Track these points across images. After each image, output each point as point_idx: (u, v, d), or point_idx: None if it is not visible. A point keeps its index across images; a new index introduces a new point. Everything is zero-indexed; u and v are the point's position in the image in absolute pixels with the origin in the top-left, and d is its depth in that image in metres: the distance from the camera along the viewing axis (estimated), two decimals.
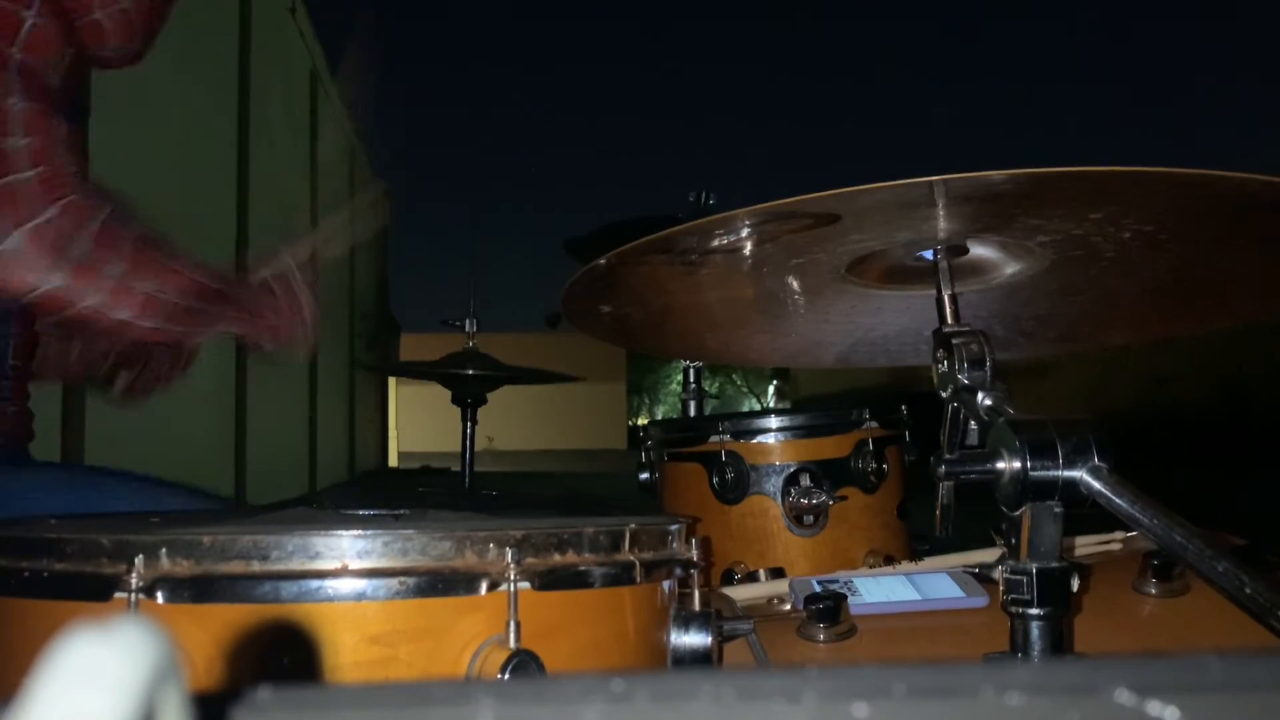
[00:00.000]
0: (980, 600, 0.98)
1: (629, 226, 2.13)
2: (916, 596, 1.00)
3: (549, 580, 0.62)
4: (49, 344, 1.44)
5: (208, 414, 6.43)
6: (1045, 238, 0.84)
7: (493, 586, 0.60)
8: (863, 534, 1.34)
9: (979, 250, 0.90)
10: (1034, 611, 0.71)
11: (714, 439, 1.36)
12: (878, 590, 1.01)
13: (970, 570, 1.05)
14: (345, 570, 0.58)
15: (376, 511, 0.79)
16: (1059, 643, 0.72)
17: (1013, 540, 0.73)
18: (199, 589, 0.57)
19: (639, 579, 0.67)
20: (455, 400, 1.93)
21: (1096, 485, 0.68)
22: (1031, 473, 0.69)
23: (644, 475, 1.46)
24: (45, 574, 0.59)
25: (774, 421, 1.37)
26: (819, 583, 1.03)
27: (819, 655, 0.93)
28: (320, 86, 11.31)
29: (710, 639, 0.71)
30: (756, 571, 1.30)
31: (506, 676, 0.57)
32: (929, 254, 0.89)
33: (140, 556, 0.57)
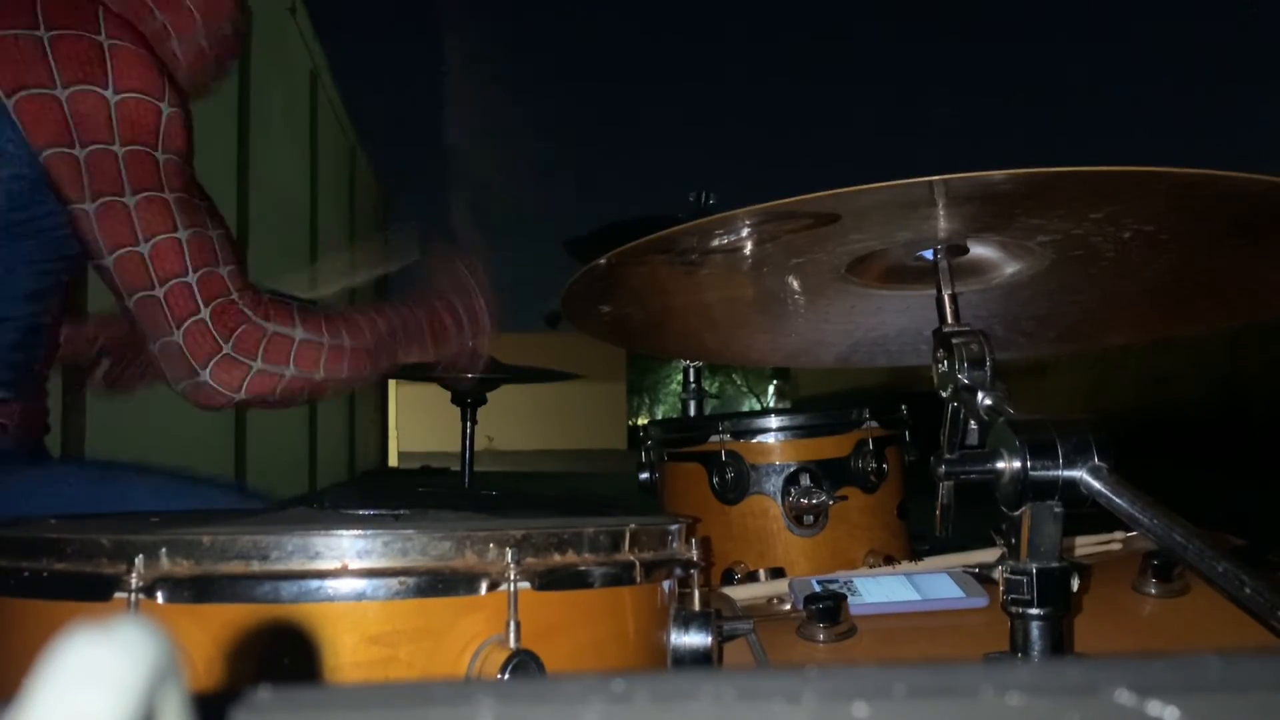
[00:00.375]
0: (981, 601, 0.98)
1: (629, 226, 2.13)
2: (917, 597, 1.00)
3: (549, 580, 0.62)
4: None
5: (208, 414, 6.42)
6: (1045, 238, 0.84)
7: (493, 586, 0.60)
8: (863, 534, 1.34)
9: (979, 250, 0.90)
10: (1034, 611, 0.71)
11: (714, 439, 1.36)
12: (878, 590, 1.01)
13: (970, 570, 1.05)
14: (345, 570, 0.58)
15: (376, 511, 0.79)
16: (1059, 643, 0.72)
17: (1013, 540, 0.73)
18: (199, 589, 0.57)
19: (639, 579, 0.67)
20: (455, 400, 1.93)
21: (1096, 485, 0.68)
22: (1031, 473, 0.69)
23: (644, 475, 1.46)
24: (45, 574, 0.59)
25: (774, 421, 1.37)
26: (819, 583, 1.03)
27: (819, 655, 0.93)
28: (320, 86, 11.31)
29: (710, 639, 0.71)
30: (756, 571, 1.30)
31: (506, 676, 0.57)
32: (929, 254, 0.89)
33: (140, 556, 0.57)
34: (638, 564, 0.67)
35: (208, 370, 1.08)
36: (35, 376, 1.30)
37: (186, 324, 1.07)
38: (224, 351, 1.08)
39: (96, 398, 1.61)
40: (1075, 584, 0.72)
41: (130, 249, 1.07)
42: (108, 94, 1.06)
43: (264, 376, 1.11)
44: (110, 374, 1.55)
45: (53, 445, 1.42)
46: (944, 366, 0.83)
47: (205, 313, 1.08)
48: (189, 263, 1.08)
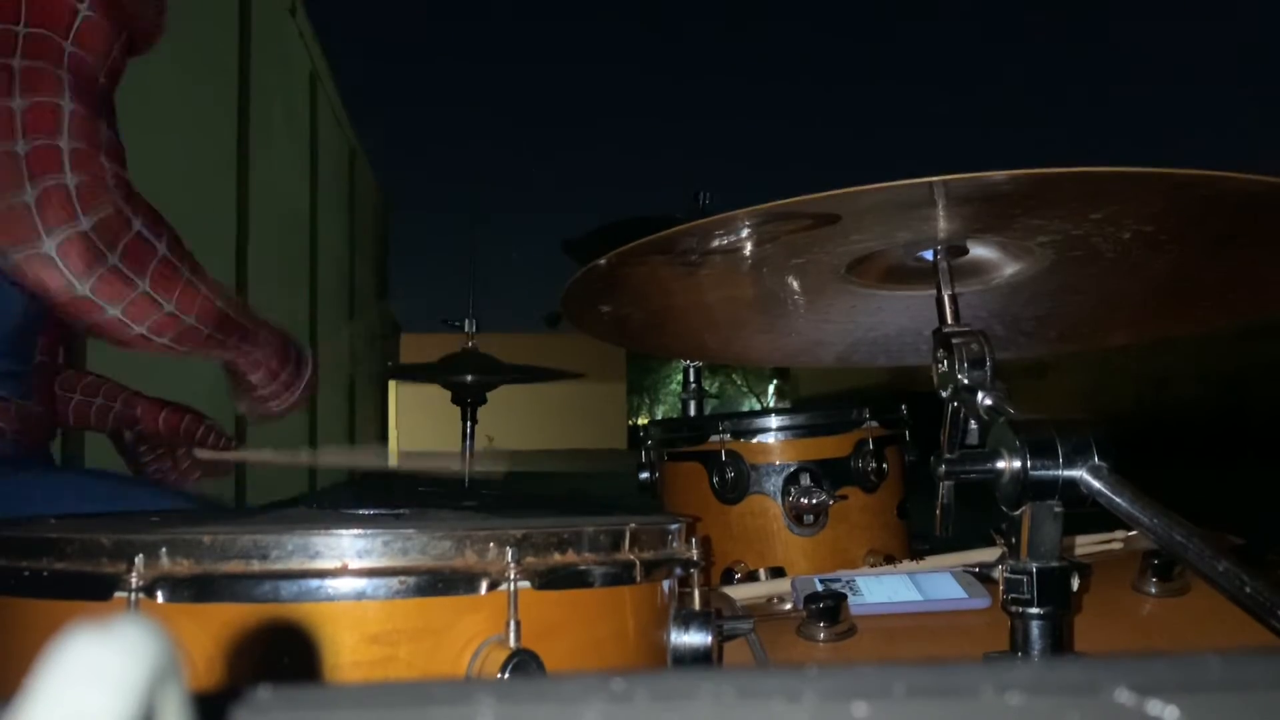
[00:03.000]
0: (983, 601, 0.98)
1: (627, 226, 2.13)
2: (919, 597, 1.00)
3: (549, 580, 0.62)
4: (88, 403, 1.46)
5: (207, 414, 6.42)
6: (1045, 238, 0.84)
7: (493, 586, 0.60)
8: (863, 534, 1.34)
9: (979, 250, 0.90)
10: (1034, 611, 0.71)
11: (714, 439, 1.36)
12: (880, 590, 1.01)
13: (970, 570, 1.05)
14: (345, 570, 0.58)
15: (377, 511, 0.79)
16: (1059, 642, 0.72)
17: (1013, 540, 0.73)
18: (199, 588, 0.57)
19: (639, 578, 0.67)
20: (455, 400, 1.93)
21: (1096, 485, 0.68)
22: (1031, 472, 0.69)
23: (644, 475, 1.46)
24: (45, 574, 0.59)
25: (774, 421, 1.37)
26: (822, 582, 1.03)
27: (819, 655, 0.93)
28: (320, 86, 11.31)
29: (710, 638, 0.71)
30: (756, 571, 1.30)
31: (506, 676, 0.57)
32: (929, 254, 0.89)
33: (140, 556, 0.57)
34: (638, 563, 0.67)
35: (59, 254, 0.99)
36: (34, 377, 1.29)
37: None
38: (83, 228, 1.00)
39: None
40: (1075, 583, 0.72)
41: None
42: None
43: (116, 278, 1.02)
44: (168, 470, 1.53)
45: (52, 452, 1.42)
46: (944, 366, 0.83)
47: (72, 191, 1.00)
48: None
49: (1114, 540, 1.20)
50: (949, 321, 0.87)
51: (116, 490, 1.31)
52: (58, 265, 1.00)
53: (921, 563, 1.14)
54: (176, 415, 1.51)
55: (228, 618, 0.57)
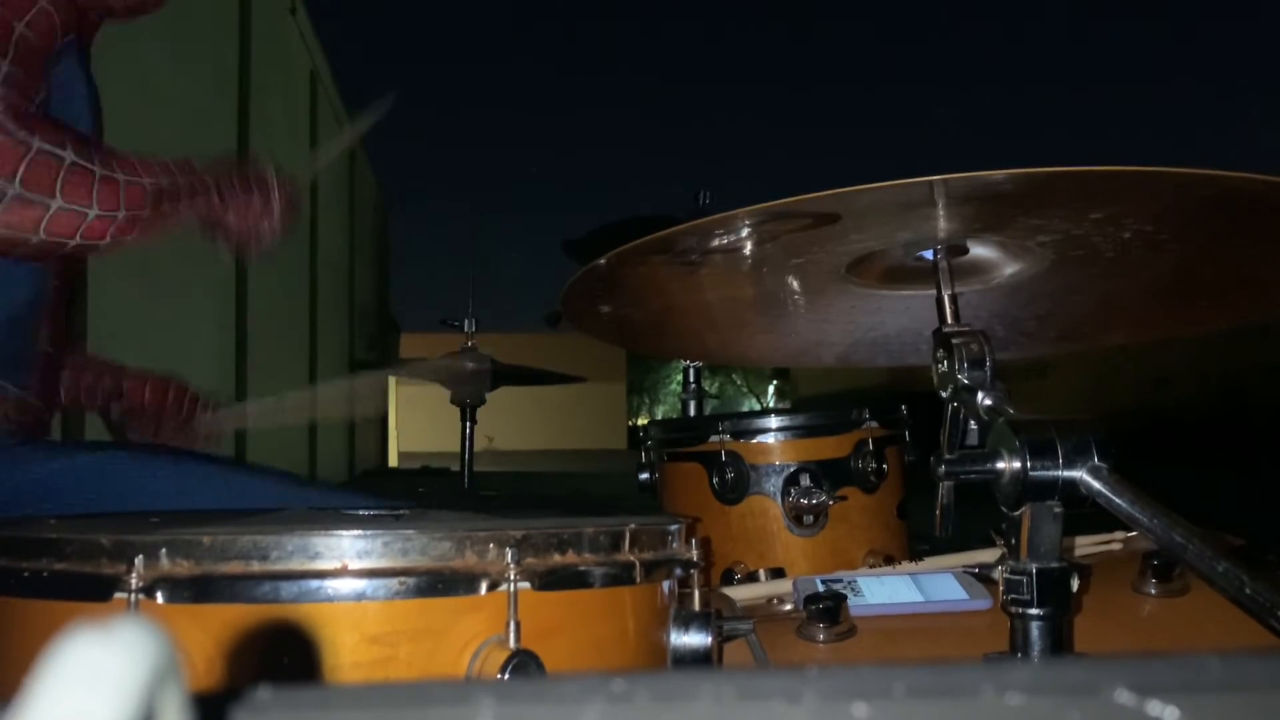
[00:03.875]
0: (984, 603, 0.98)
1: (628, 226, 2.13)
2: (920, 598, 1.00)
3: (549, 580, 0.62)
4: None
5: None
6: (1045, 238, 0.84)
7: (493, 586, 0.60)
8: (863, 534, 1.34)
9: (979, 250, 0.90)
10: (1034, 611, 0.71)
11: (714, 439, 1.36)
12: (881, 591, 1.01)
13: (970, 570, 1.05)
14: (345, 570, 0.58)
15: (376, 511, 0.79)
16: (1059, 643, 0.72)
17: (1013, 540, 0.73)
18: (199, 589, 0.57)
19: (639, 579, 0.67)
20: (455, 400, 1.93)
21: (1096, 485, 0.68)
22: (1031, 473, 0.69)
23: (644, 475, 1.46)
24: (45, 574, 0.59)
25: (774, 421, 1.37)
26: (823, 582, 1.03)
27: (819, 655, 0.93)
28: (320, 86, 11.31)
29: (710, 639, 0.71)
30: (756, 571, 1.30)
31: (506, 676, 0.57)
32: (929, 254, 0.89)
33: (140, 556, 0.57)
34: (638, 564, 0.67)
35: None
36: (36, 368, 1.29)
37: None
38: None
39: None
40: (1075, 584, 0.72)
41: None
42: None
43: (22, 205, 1.02)
44: (123, 430, 1.53)
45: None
46: (944, 366, 0.83)
47: None
48: None
49: (1114, 541, 1.20)
50: (949, 321, 0.87)
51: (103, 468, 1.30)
52: None
53: (921, 563, 1.14)
54: (161, 387, 1.51)
55: (228, 618, 0.57)
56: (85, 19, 1.24)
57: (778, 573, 1.28)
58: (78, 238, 1.05)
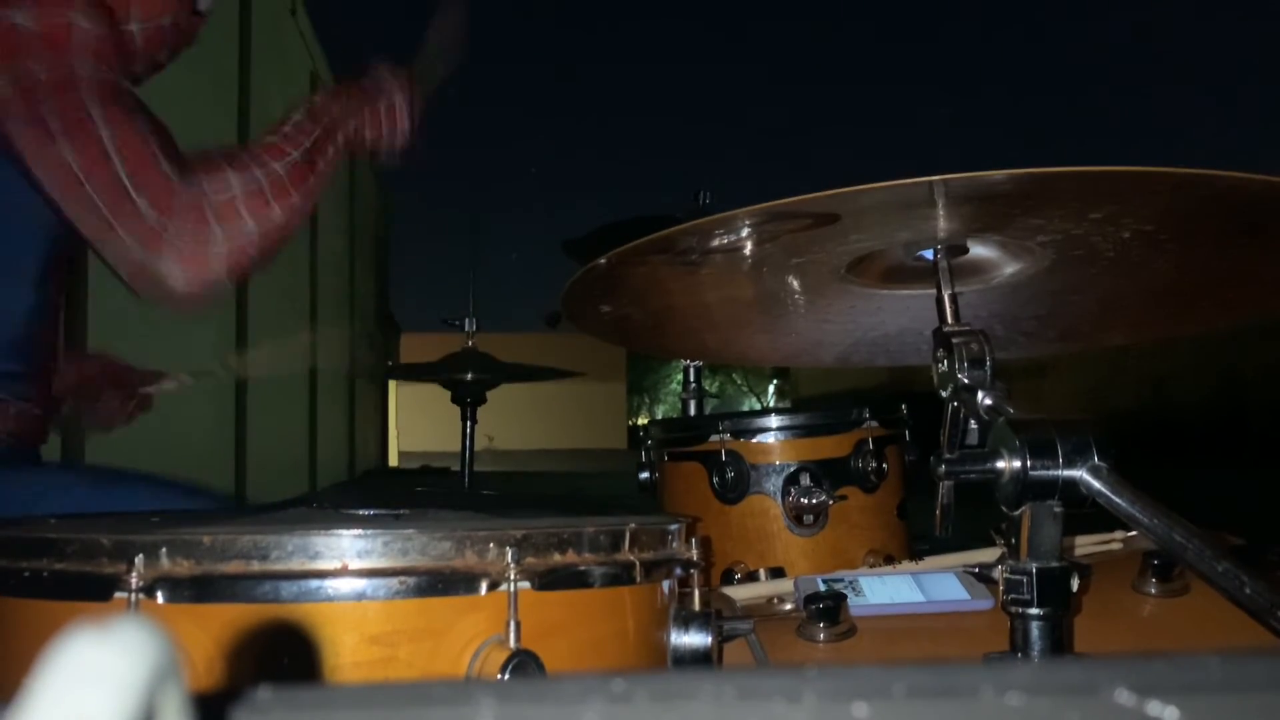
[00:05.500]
0: (986, 603, 0.98)
1: (628, 227, 2.13)
2: (922, 598, 1.00)
3: (549, 580, 0.62)
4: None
5: (208, 414, 6.43)
6: (1045, 238, 0.84)
7: (493, 586, 0.60)
8: (863, 534, 1.34)
9: (979, 250, 0.90)
10: (1034, 611, 0.71)
11: (714, 438, 1.36)
12: (883, 591, 1.01)
13: (970, 570, 1.05)
14: (345, 570, 0.58)
15: (377, 511, 0.79)
16: (1059, 643, 0.72)
17: (1013, 540, 0.73)
18: (199, 589, 0.57)
19: (639, 579, 0.67)
20: (455, 400, 1.93)
21: (1096, 485, 0.68)
22: (1031, 472, 0.69)
23: (644, 475, 1.46)
24: (45, 574, 0.59)
25: (774, 421, 1.37)
26: (825, 581, 1.03)
27: (819, 655, 0.93)
28: (320, 86, 11.30)
29: (710, 639, 0.71)
30: (756, 571, 1.30)
31: (506, 676, 0.57)
32: (929, 254, 0.89)
33: (140, 556, 0.57)
34: (638, 564, 0.67)
35: (167, 261, 1.07)
36: (29, 380, 1.29)
37: (126, 222, 1.06)
38: (172, 237, 1.07)
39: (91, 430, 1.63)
40: (1075, 584, 0.72)
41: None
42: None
43: (233, 246, 1.10)
44: (86, 418, 1.55)
45: (53, 449, 1.42)
46: (944, 366, 0.83)
47: (142, 204, 1.06)
48: (119, 158, 1.06)
49: (1114, 540, 1.20)
50: (949, 321, 0.87)
51: (101, 485, 1.31)
52: (182, 274, 1.09)
53: (921, 563, 1.14)
54: (91, 364, 1.55)
55: (228, 618, 0.57)
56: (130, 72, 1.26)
57: (778, 572, 1.28)
58: (296, 224, 1.17)
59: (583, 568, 0.64)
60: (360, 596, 0.58)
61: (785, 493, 1.33)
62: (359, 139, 1.28)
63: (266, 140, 1.20)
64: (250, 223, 1.11)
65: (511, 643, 0.58)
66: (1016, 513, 0.71)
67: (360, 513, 0.79)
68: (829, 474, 1.33)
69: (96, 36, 1.11)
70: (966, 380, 0.81)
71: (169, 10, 1.27)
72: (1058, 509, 0.70)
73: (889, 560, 1.26)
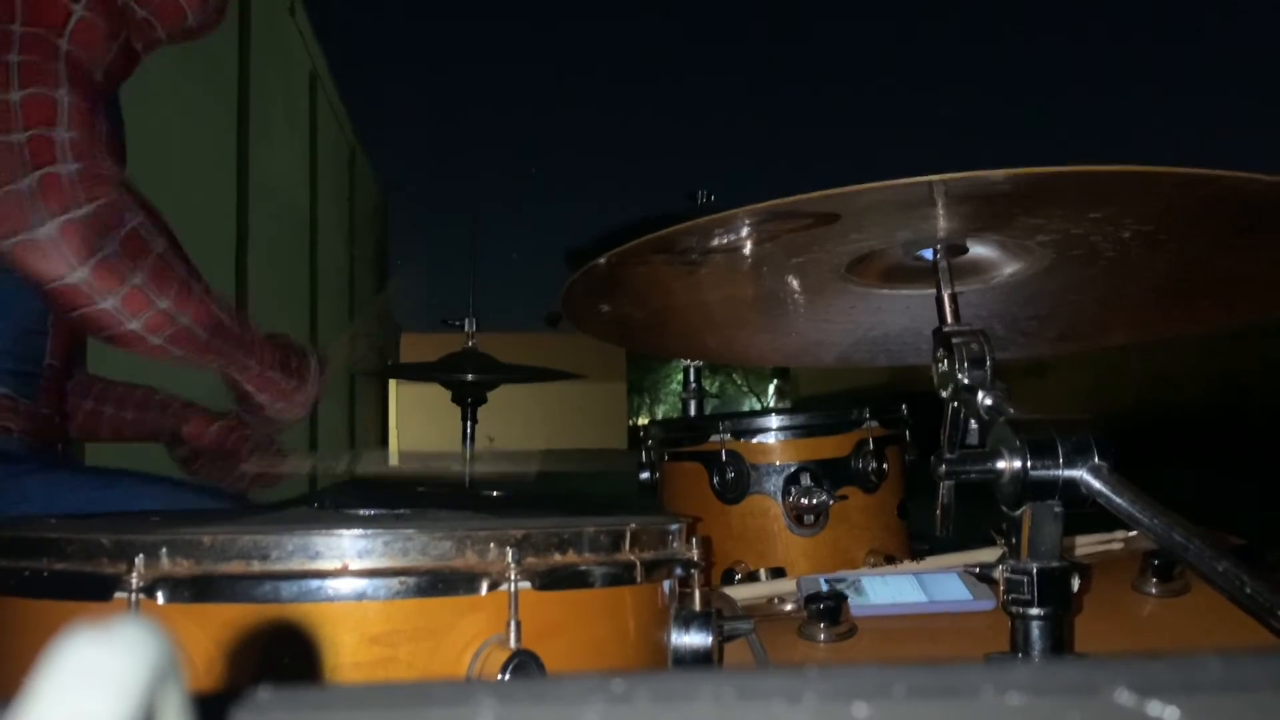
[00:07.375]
0: (988, 603, 0.98)
1: (630, 232, 2.13)
2: (924, 598, 1.00)
3: (549, 580, 0.62)
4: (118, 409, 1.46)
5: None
6: (1045, 237, 0.84)
7: (493, 586, 0.60)
8: (863, 534, 1.34)
9: (979, 250, 0.90)
10: (1034, 611, 0.71)
11: (714, 438, 1.36)
12: (885, 591, 1.01)
13: (970, 570, 1.05)
14: (345, 570, 0.58)
15: (377, 511, 0.79)
16: (1059, 643, 0.72)
17: (1013, 540, 0.73)
18: (199, 589, 0.57)
19: (639, 579, 0.67)
20: (455, 400, 1.93)
21: (1097, 485, 0.68)
22: (1031, 472, 0.69)
23: (644, 475, 1.46)
24: (45, 574, 0.59)
25: (774, 421, 1.37)
26: (827, 581, 1.03)
27: (819, 655, 0.93)
28: (320, 86, 11.30)
29: (710, 639, 0.71)
30: (757, 571, 1.30)
31: (507, 676, 0.57)
32: (929, 254, 0.89)
33: (140, 556, 0.57)
34: (638, 564, 0.67)
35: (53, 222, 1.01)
36: (43, 379, 1.29)
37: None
38: (83, 213, 1.02)
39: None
40: (1075, 584, 0.72)
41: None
42: None
43: (97, 282, 1.03)
44: (195, 467, 1.53)
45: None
46: (944, 366, 0.83)
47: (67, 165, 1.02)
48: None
49: (1114, 540, 1.20)
50: (949, 321, 0.87)
51: (102, 485, 1.31)
52: (58, 248, 1.01)
53: (922, 563, 1.14)
54: (224, 430, 1.50)
55: (228, 618, 0.57)
56: (130, 53, 1.25)
57: (778, 572, 1.28)
58: (138, 322, 1.06)
59: (583, 568, 0.64)
60: (360, 596, 0.58)
61: (786, 493, 1.33)
62: (254, 387, 1.24)
63: (206, 292, 1.13)
64: (138, 278, 1.05)
65: (512, 643, 0.58)
66: (1017, 513, 0.71)
67: (360, 513, 0.79)
68: (829, 474, 1.33)
69: (90, 21, 1.11)
70: (966, 380, 0.81)
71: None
72: (1058, 509, 0.70)
73: (889, 560, 1.26)
